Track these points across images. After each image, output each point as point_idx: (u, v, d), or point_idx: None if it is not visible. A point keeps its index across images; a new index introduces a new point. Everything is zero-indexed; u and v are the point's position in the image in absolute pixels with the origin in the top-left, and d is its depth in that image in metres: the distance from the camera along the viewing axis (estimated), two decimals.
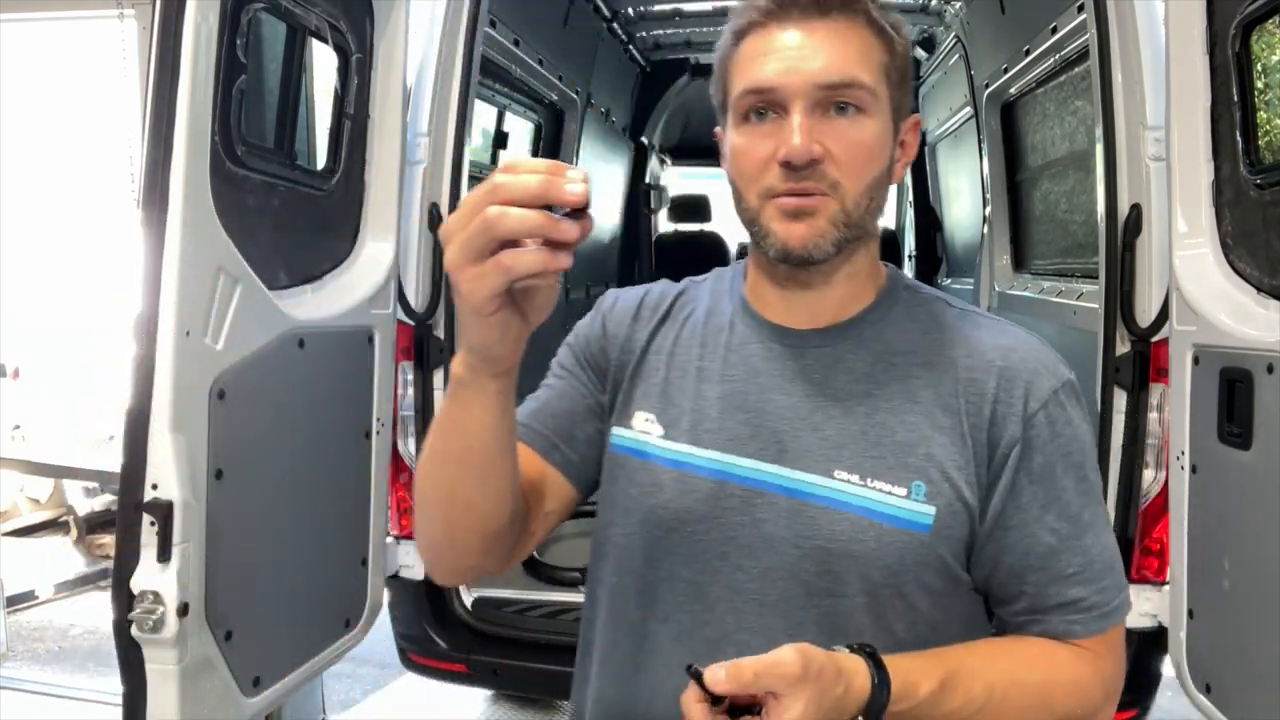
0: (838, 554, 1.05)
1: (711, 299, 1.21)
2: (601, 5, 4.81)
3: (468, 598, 3.02)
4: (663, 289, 1.26)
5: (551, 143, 4.96)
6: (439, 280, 2.93)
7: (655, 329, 1.21)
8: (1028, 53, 3.85)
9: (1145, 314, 2.54)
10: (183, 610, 1.89)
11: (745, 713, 0.89)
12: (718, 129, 1.15)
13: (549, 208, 0.80)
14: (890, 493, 1.04)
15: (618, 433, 1.18)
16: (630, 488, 1.14)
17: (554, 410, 1.21)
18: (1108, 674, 1.09)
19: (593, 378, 1.23)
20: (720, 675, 0.86)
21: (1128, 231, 2.55)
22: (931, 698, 0.98)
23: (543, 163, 0.81)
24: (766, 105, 1.04)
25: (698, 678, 0.88)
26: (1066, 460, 1.07)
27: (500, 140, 4.38)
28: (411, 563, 2.96)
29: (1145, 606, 2.57)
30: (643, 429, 1.15)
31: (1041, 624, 1.09)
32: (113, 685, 2.01)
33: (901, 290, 1.16)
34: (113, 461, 3.31)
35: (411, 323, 2.91)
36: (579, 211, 0.82)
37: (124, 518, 1.91)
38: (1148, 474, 2.58)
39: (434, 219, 2.91)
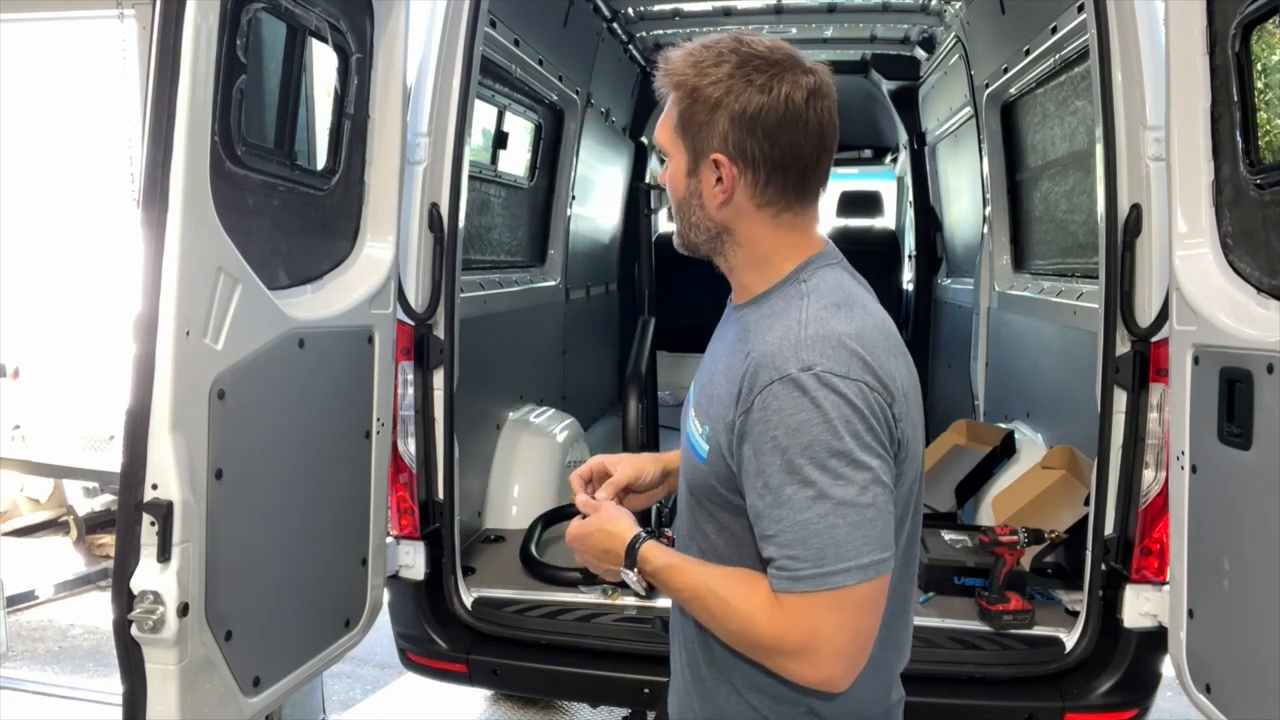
0: (682, 471, 1.58)
1: None
2: (601, 5, 4.81)
3: (468, 598, 3.02)
4: None
5: (551, 143, 4.97)
6: (439, 280, 2.93)
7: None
8: (1028, 53, 3.85)
9: (1145, 314, 2.54)
10: (183, 610, 1.89)
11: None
12: None
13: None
14: (697, 429, 1.50)
15: None
16: None
17: None
18: (782, 627, 1.32)
19: None
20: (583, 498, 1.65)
21: (1128, 231, 2.55)
22: (662, 572, 1.47)
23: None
24: None
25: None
26: (773, 443, 1.32)
27: (500, 140, 4.38)
28: (411, 563, 2.96)
29: (1145, 606, 2.57)
30: None
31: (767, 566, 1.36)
32: (113, 685, 2.02)
33: (790, 285, 1.47)
34: (113, 461, 3.30)
35: (411, 323, 2.91)
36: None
37: (124, 518, 1.92)
38: (1148, 474, 2.58)
39: (434, 219, 2.91)
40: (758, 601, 1.34)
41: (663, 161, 1.54)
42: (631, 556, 1.50)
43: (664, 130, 1.49)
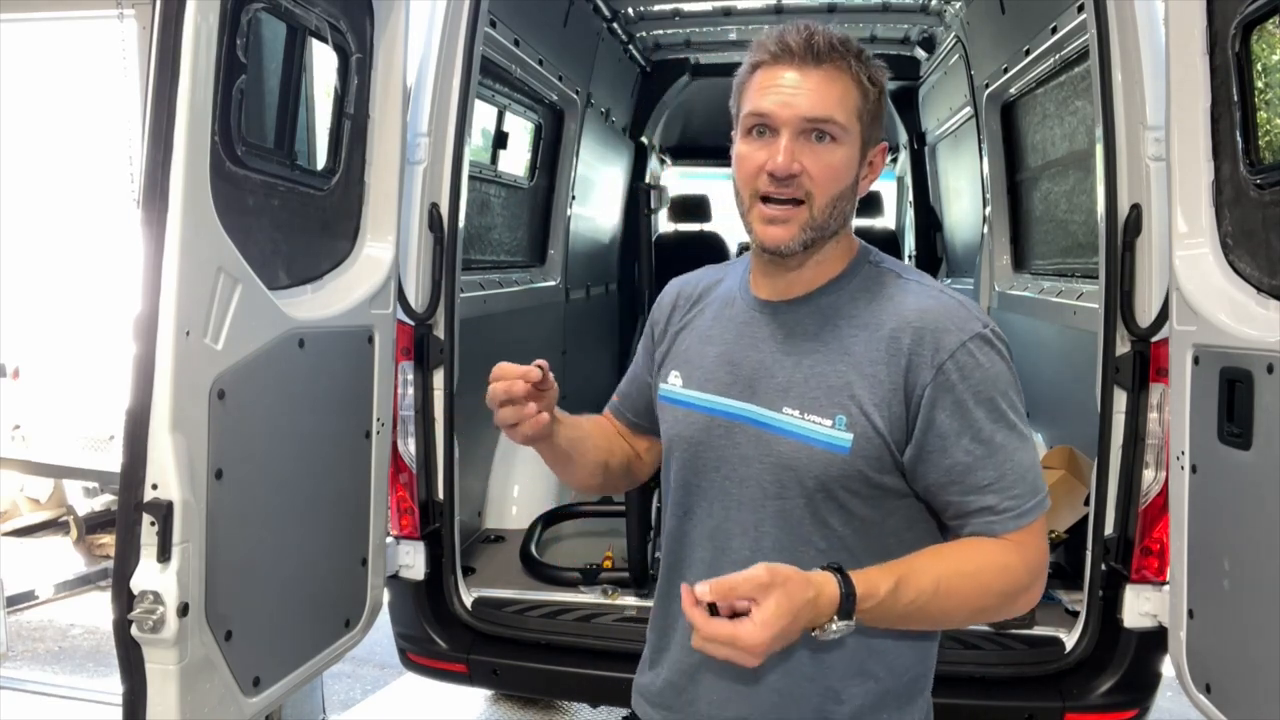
0: (783, 467, 1.44)
1: (731, 279, 1.63)
2: (601, 5, 4.81)
3: (468, 598, 3.02)
4: (699, 278, 1.70)
5: (551, 143, 4.96)
6: (439, 280, 2.93)
7: (687, 313, 1.65)
8: (1028, 53, 3.85)
9: (1145, 314, 2.54)
10: (183, 610, 1.89)
11: (735, 616, 1.20)
12: (734, 132, 1.50)
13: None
14: (819, 423, 1.42)
15: (659, 387, 1.64)
16: (664, 425, 1.62)
17: (632, 391, 1.77)
18: (1031, 559, 1.40)
19: (650, 357, 1.71)
20: (705, 589, 1.19)
21: (1128, 231, 2.55)
22: (891, 595, 1.29)
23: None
24: (765, 126, 1.42)
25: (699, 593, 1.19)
26: (977, 396, 1.38)
27: (500, 140, 4.38)
28: (411, 563, 2.96)
29: (1145, 606, 2.57)
30: (672, 382, 1.61)
31: (969, 525, 1.40)
32: (113, 685, 2.02)
33: (864, 266, 1.52)
34: (113, 461, 3.30)
35: (411, 323, 2.91)
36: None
37: (124, 518, 1.92)
38: (1148, 474, 2.58)
39: (434, 219, 2.91)
40: (1001, 554, 1.38)
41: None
42: (850, 603, 1.25)
43: (844, 110, 1.41)
